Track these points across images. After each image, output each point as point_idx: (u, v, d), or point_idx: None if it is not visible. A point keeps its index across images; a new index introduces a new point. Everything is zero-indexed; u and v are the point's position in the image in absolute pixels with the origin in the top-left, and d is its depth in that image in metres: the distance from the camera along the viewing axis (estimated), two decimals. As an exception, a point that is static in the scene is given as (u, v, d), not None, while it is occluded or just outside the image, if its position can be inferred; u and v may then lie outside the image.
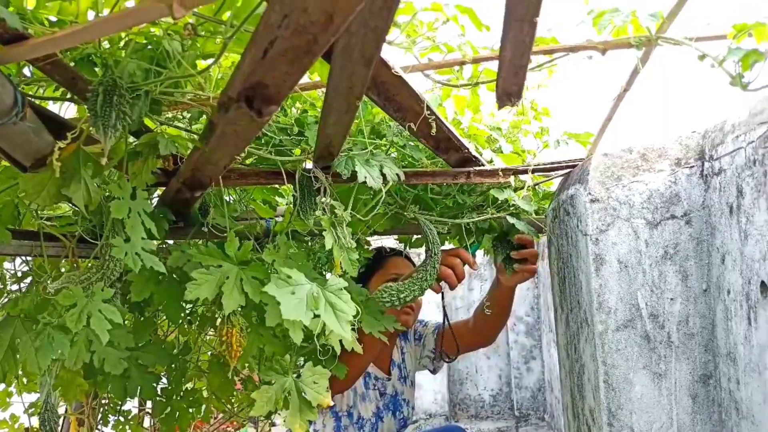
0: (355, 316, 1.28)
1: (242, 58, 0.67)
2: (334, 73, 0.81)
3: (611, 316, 1.29)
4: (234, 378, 1.51)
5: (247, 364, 1.47)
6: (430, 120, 1.05)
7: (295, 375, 1.24)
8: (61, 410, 1.52)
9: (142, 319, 1.47)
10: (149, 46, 0.94)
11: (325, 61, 0.80)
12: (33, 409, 1.59)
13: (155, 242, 1.04)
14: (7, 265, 1.53)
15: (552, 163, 1.59)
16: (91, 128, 0.97)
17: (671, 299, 1.26)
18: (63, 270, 1.54)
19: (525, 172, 1.52)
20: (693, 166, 1.29)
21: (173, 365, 1.47)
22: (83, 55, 0.85)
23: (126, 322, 1.39)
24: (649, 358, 1.25)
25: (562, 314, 1.62)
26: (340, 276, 1.29)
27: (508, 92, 1.05)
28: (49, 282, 1.25)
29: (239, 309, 1.19)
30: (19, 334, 1.14)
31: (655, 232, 1.28)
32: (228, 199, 1.79)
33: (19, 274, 1.44)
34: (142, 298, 1.32)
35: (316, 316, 1.22)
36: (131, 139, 1.13)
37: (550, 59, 1.05)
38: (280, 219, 1.67)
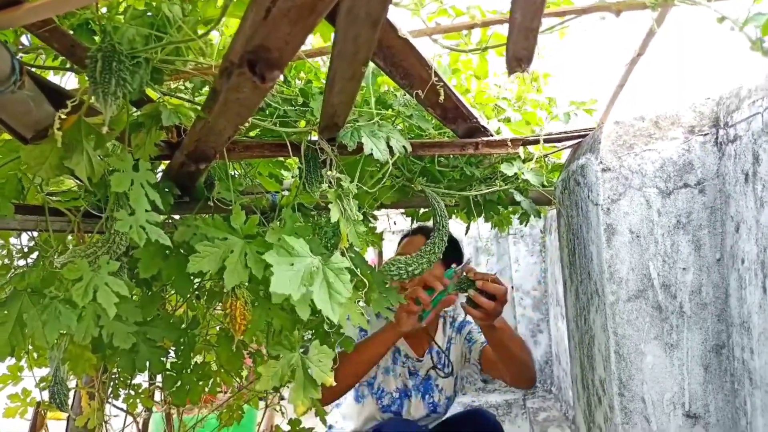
0: (360, 289, 1.27)
1: (243, 19, 0.65)
2: (339, 37, 0.79)
3: (622, 287, 1.27)
4: (242, 352, 1.50)
5: (255, 338, 1.47)
6: (438, 87, 1.02)
7: (302, 351, 1.24)
8: (71, 384, 1.52)
9: (149, 294, 1.46)
10: (149, 13, 0.92)
11: (330, 24, 0.77)
12: (44, 383, 1.60)
13: (161, 216, 1.03)
14: (13, 240, 1.52)
15: (562, 132, 1.56)
16: (91, 98, 0.96)
17: (684, 269, 1.24)
18: (69, 245, 1.54)
19: (535, 142, 1.49)
20: (707, 134, 1.26)
21: (182, 339, 1.47)
22: (81, 22, 0.83)
23: (134, 297, 1.39)
24: (660, 328, 1.24)
25: (572, 286, 1.61)
26: (346, 248, 1.28)
27: (518, 57, 1.02)
28: (55, 257, 1.24)
29: (244, 283, 1.18)
30: (26, 308, 1.13)
31: (668, 201, 1.26)
32: (234, 174, 1.77)
33: (26, 249, 1.44)
34: (150, 274, 1.31)
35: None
36: (133, 110, 1.11)
37: (561, 21, 1.01)
38: (286, 193, 1.65)
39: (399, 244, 2.36)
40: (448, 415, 2.41)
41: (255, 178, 1.55)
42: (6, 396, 1.56)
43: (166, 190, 1.47)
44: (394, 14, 0.80)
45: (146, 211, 1.01)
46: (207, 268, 1.15)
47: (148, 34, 0.84)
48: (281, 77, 1.33)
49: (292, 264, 1.11)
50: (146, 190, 0.97)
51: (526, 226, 2.32)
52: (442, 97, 1.04)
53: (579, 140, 1.56)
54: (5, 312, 1.13)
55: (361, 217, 1.34)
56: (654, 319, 1.25)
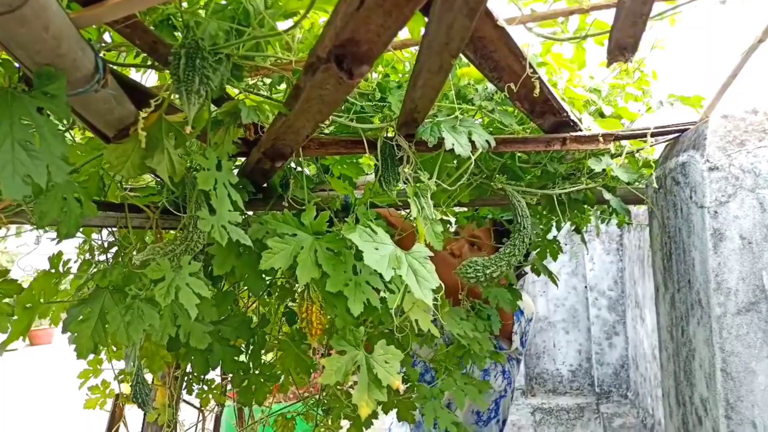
0: (437, 291, 1.21)
1: (334, 11, 0.59)
2: (431, 27, 0.72)
3: (731, 298, 1.15)
4: (309, 355, 1.48)
5: (324, 341, 1.44)
6: (533, 80, 0.94)
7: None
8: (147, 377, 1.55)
9: (223, 291, 1.46)
10: (229, 6, 0.88)
11: (422, 14, 0.71)
12: (122, 376, 1.63)
13: (239, 216, 1.00)
14: (94, 236, 1.55)
15: (658, 127, 1.43)
16: (173, 96, 0.93)
17: (806, 280, 1.10)
18: (147, 241, 1.56)
19: (629, 137, 1.38)
20: (835, 128, 1.11)
21: (252, 338, 1.45)
22: (163, 18, 0.81)
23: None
24: (777, 346, 1.11)
25: (666, 293, 1.48)
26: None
27: (623, 45, 0.92)
28: (134, 253, 1.25)
29: (316, 281, 1.15)
30: (108, 306, 1.14)
31: (787, 204, 1.12)
32: (307, 173, 1.75)
33: (106, 245, 1.46)
34: (224, 272, 1.30)
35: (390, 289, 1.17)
36: (213, 107, 1.09)
37: (674, 6, 0.91)
38: (359, 195, 1.61)
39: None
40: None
41: (328, 179, 1.51)
42: (87, 388, 1.60)
43: (241, 187, 1.46)
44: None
45: (228, 210, 0.99)
46: (278, 265, 1.13)
47: (230, 29, 0.81)
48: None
49: (377, 248, 1.09)
50: (228, 189, 0.94)
51: (608, 225, 2.19)
52: (537, 91, 0.96)
53: (677, 135, 1.43)
54: (88, 309, 1.14)
55: (439, 216, 1.28)
56: (767, 335, 1.12)
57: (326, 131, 1.37)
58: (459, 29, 0.73)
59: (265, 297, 1.77)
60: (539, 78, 0.96)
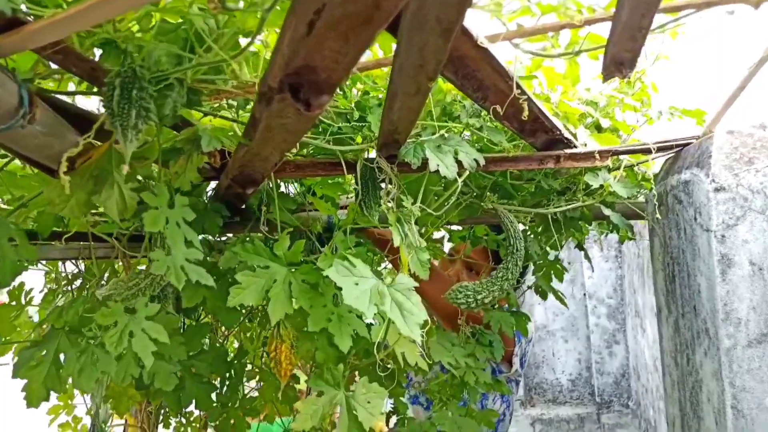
0: (423, 326, 1.13)
1: (280, 37, 0.50)
2: (402, 48, 0.63)
3: (741, 329, 1.06)
4: (293, 387, 1.38)
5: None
6: (520, 101, 0.85)
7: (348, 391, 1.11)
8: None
9: (195, 324, 1.36)
10: (182, 27, 0.79)
11: (390, 34, 0.62)
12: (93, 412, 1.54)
13: (200, 253, 0.91)
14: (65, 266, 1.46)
15: (658, 142, 1.35)
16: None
17: (823, 311, 1.01)
18: (118, 270, 1.46)
19: (626, 152, 1.29)
20: None
21: (229, 372, 1.36)
22: (101, 41, 0.71)
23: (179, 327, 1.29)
24: (793, 383, 1.03)
25: (669, 317, 1.39)
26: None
27: (619, 60, 0.83)
28: (97, 287, 1.16)
29: (286, 317, 1.06)
30: (63, 348, 1.05)
31: (801, 227, 1.04)
32: (290, 191, 1.65)
33: (70, 276, 1.37)
34: (194, 304, 1.21)
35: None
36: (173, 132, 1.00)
37: (675, 18, 0.82)
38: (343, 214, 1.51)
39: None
40: None
41: (309, 199, 1.42)
42: (57, 426, 1.51)
43: (215, 211, 1.37)
44: (468, 17, 0.64)
45: (185, 249, 0.89)
46: (249, 301, 1.04)
47: (180, 53, 0.72)
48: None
49: (356, 284, 0.99)
50: (183, 229, 0.84)
51: (606, 237, 2.10)
52: (526, 113, 0.87)
53: (678, 149, 1.34)
54: (42, 352, 1.05)
55: (424, 243, 1.19)
56: (782, 370, 1.03)
57: (302, 152, 1.28)
58: (433, 51, 0.64)
59: (246, 322, 1.67)
60: (528, 99, 0.87)
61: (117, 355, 1.03)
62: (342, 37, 0.50)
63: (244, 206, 1.46)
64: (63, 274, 1.37)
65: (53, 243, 1.19)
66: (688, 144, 1.28)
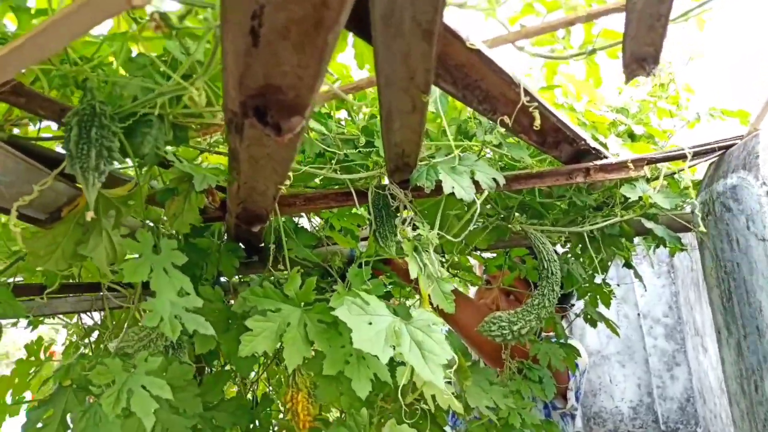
0: (449, 366, 1.03)
1: (222, 52, 0.44)
2: (381, 57, 0.56)
3: (814, 351, 0.92)
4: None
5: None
6: (530, 109, 0.77)
7: None
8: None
9: (213, 372, 1.30)
10: (162, 56, 0.74)
11: (366, 42, 0.55)
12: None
13: (199, 300, 0.84)
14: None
15: (697, 145, 1.23)
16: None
17: None
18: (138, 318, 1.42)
19: (662, 160, 1.18)
20: None
21: (253, 423, 1.28)
22: (65, 81, 0.67)
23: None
24: None
25: (730, 338, 1.25)
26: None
27: (641, 56, 0.74)
28: (110, 340, 1.11)
29: (303, 361, 0.98)
30: (71, 407, 1.00)
31: None
32: (310, 226, 1.60)
33: (86, 329, 1.33)
34: (207, 350, 1.15)
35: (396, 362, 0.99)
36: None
37: (699, 3, 0.72)
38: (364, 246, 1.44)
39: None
40: None
41: (327, 233, 1.35)
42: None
43: (231, 251, 1.32)
44: (455, 18, 0.57)
45: (185, 294, 0.83)
46: (262, 348, 0.97)
47: (150, 86, 0.67)
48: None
49: (370, 323, 0.90)
50: (173, 275, 0.78)
51: (654, 252, 1.95)
52: (537, 123, 0.78)
53: (721, 152, 1.22)
54: (49, 412, 1.00)
55: (446, 273, 1.10)
56: None
57: (312, 184, 1.22)
58: (419, 58, 0.57)
59: (274, 366, 1.60)
60: (540, 105, 0.78)
61: (126, 414, 0.97)
62: (296, 48, 0.44)
63: (262, 245, 1.41)
64: (81, 327, 1.33)
65: (65, 296, 1.15)
66: (731, 146, 1.16)
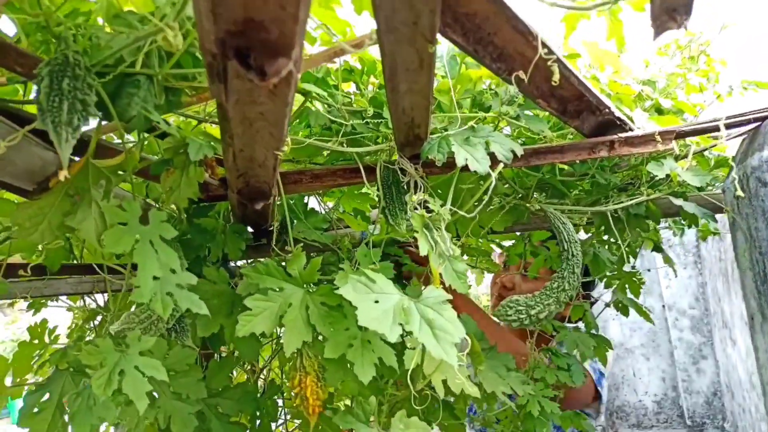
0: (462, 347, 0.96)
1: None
2: (379, -3, 0.50)
3: None
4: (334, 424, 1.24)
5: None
6: (549, 63, 0.70)
7: (382, 428, 0.96)
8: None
9: (219, 358, 1.26)
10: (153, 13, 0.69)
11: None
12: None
13: (193, 278, 0.80)
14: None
15: (730, 117, 1.15)
16: (100, 134, 0.76)
17: None
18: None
19: (694, 133, 1.10)
20: None
21: (259, 410, 1.24)
22: (34, 25, 0.62)
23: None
24: None
25: (765, 323, 1.17)
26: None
27: (671, 6, 0.67)
28: (109, 323, 1.07)
29: (309, 344, 0.93)
30: (68, 391, 0.96)
31: None
32: (321, 209, 1.55)
33: (88, 311, 1.30)
34: (210, 333, 1.10)
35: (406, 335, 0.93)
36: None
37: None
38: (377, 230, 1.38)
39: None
40: None
41: (337, 214, 1.30)
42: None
43: (237, 233, 1.27)
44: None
45: (174, 270, 0.78)
46: (261, 329, 0.92)
47: (137, 42, 0.62)
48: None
49: (376, 301, 0.84)
50: (160, 249, 0.73)
51: (681, 237, 1.86)
52: (556, 77, 0.71)
53: (757, 125, 1.14)
54: (45, 397, 0.96)
55: (458, 252, 1.03)
56: None
57: (320, 160, 1.17)
58: (422, -4, 0.51)
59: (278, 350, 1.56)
60: (558, 60, 0.71)
61: (127, 402, 0.93)
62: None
63: (271, 228, 1.36)
64: (85, 310, 1.30)
65: (65, 278, 1.11)
66: (767, 117, 1.08)
